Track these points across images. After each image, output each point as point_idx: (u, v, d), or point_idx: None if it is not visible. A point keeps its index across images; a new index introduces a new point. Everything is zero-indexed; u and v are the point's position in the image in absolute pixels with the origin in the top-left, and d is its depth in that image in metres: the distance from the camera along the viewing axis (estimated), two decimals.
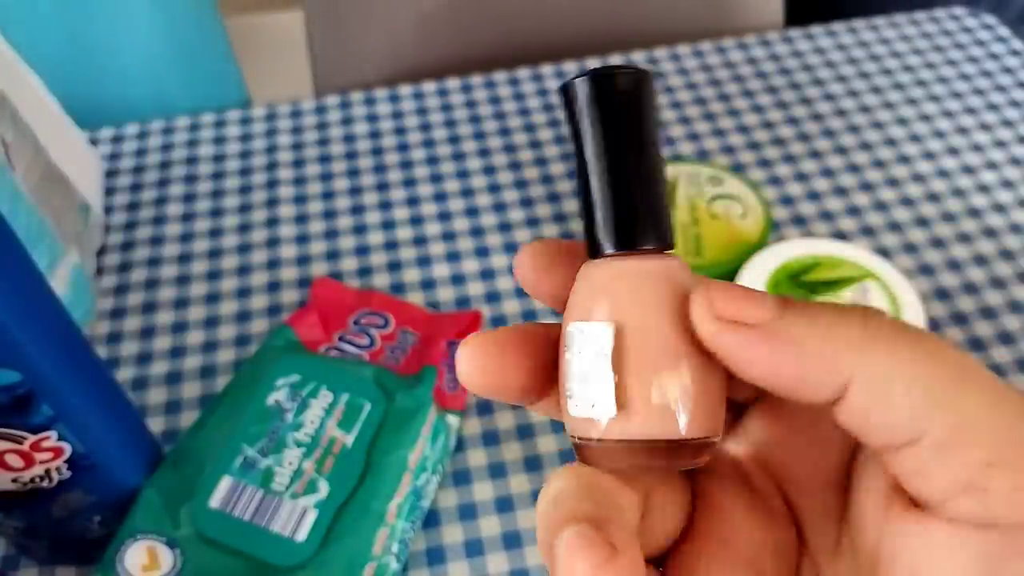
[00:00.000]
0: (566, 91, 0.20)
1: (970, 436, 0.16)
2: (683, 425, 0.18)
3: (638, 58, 0.68)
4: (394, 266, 0.55)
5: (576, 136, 0.20)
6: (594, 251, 0.20)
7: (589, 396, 0.18)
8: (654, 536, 0.19)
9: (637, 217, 0.19)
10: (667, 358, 0.18)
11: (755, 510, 0.20)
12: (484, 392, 0.19)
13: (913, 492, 0.17)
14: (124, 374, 0.50)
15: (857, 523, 0.18)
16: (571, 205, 0.58)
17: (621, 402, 0.18)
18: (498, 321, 0.52)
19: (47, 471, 0.36)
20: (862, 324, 0.17)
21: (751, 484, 0.21)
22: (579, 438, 0.19)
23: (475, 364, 0.19)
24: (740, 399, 0.21)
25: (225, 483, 0.40)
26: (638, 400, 0.18)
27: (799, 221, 0.56)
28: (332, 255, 0.56)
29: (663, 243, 0.19)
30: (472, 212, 0.58)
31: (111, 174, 0.62)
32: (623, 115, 0.19)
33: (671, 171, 0.52)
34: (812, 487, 0.20)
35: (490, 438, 0.47)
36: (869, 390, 0.16)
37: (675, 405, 0.18)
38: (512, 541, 0.43)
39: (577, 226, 0.57)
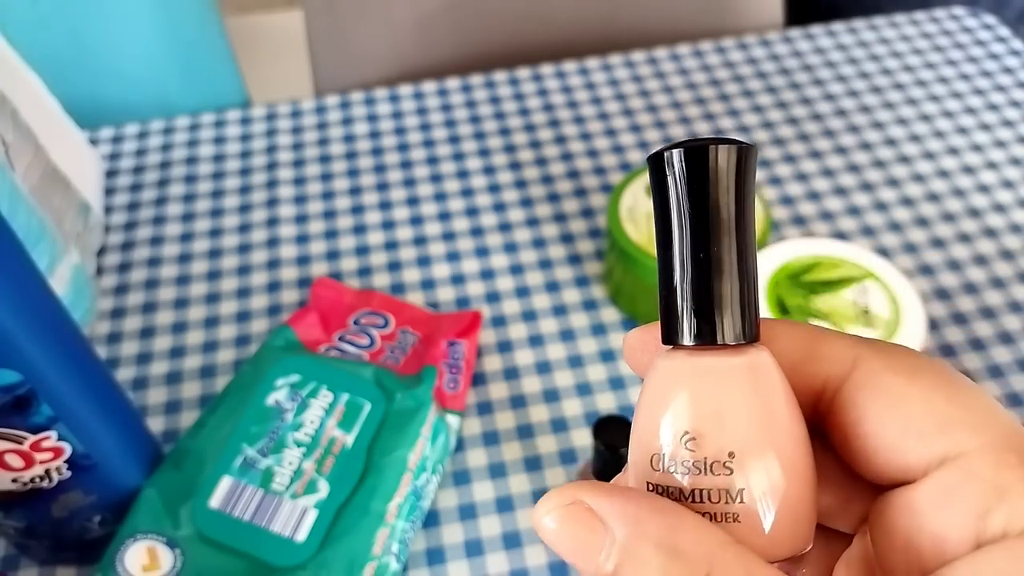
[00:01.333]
0: (656, 160, 0.17)
1: None
2: (768, 546, 0.17)
3: (638, 58, 0.68)
4: (394, 266, 0.55)
5: (663, 212, 0.18)
6: (671, 338, 0.18)
7: None
8: None
9: (718, 308, 0.17)
10: (719, 493, 0.17)
11: None
12: None
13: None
14: (124, 374, 0.50)
15: None
16: (571, 205, 0.58)
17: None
18: (498, 321, 0.52)
19: (47, 471, 0.36)
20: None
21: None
22: None
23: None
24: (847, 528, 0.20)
25: (225, 483, 0.40)
26: (719, 520, 0.17)
27: (799, 221, 0.56)
28: (332, 255, 0.56)
29: (748, 338, 0.18)
30: (472, 212, 0.58)
31: (111, 174, 0.62)
32: (722, 193, 0.17)
33: None
34: None
35: (490, 438, 0.47)
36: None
37: (761, 524, 0.17)
38: (512, 541, 0.43)
39: (577, 227, 0.57)
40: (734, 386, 0.17)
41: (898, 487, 0.18)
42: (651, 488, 0.18)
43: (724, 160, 0.17)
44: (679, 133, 0.62)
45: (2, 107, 0.46)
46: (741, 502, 0.17)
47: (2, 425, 0.33)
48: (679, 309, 0.18)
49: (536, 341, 0.51)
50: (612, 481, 0.19)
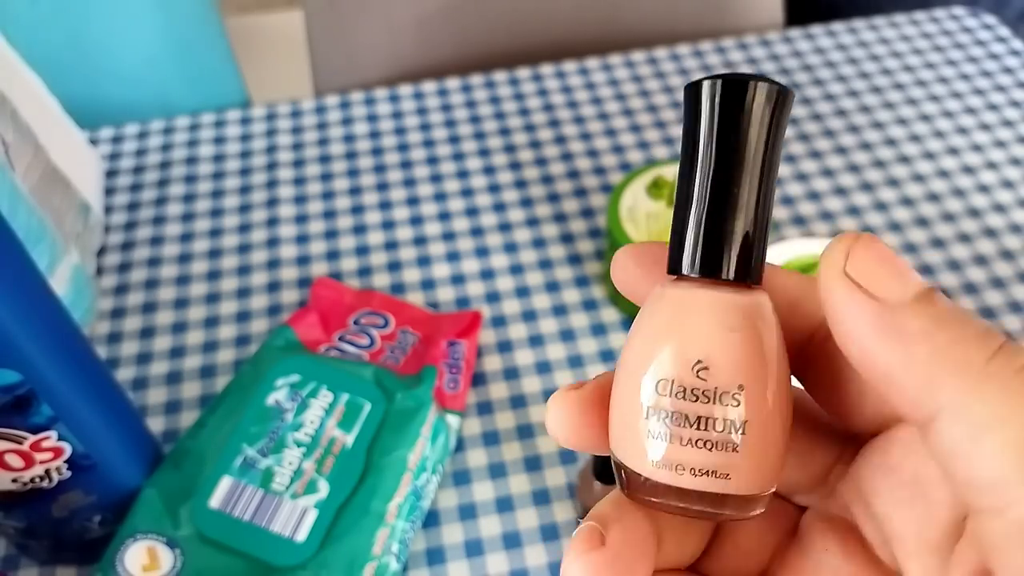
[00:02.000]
0: (694, 89, 0.18)
1: None
2: (731, 485, 0.17)
3: (638, 58, 0.68)
4: (394, 266, 0.55)
5: (692, 143, 0.18)
6: (675, 267, 0.18)
7: (648, 437, 0.18)
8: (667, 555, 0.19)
9: (733, 245, 0.18)
10: (724, 423, 0.17)
11: (856, 558, 0.19)
12: (576, 448, 0.19)
13: (993, 572, 0.15)
14: (124, 374, 0.50)
15: None
16: (571, 205, 0.58)
17: (676, 453, 0.17)
18: (498, 321, 0.52)
19: (47, 471, 0.36)
20: (988, 355, 0.14)
21: (859, 533, 0.19)
22: (627, 467, 0.18)
23: (563, 424, 0.19)
24: (829, 457, 0.20)
25: (225, 483, 0.40)
26: (691, 448, 0.17)
27: (799, 221, 0.56)
28: (332, 255, 0.56)
29: (752, 278, 0.18)
30: (472, 212, 0.58)
31: (111, 174, 0.62)
32: (753, 131, 0.17)
33: (672, 171, 0.52)
34: (917, 548, 0.17)
35: (490, 438, 0.47)
36: (955, 432, 0.14)
37: (725, 468, 0.17)
38: (512, 541, 0.43)
39: (577, 227, 0.57)
40: (747, 322, 0.17)
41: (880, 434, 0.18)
42: (652, 413, 0.18)
43: (762, 97, 0.17)
44: (679, 133, 0.62)
45: (2, 107, 0.46)
46: (743, 434, 0.17)
47: (2, 425, 0.33)
48: (696, 241, 0.18)
49: (536, 341, 0.51)
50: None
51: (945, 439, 0.14)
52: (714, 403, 0.17)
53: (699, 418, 0.17)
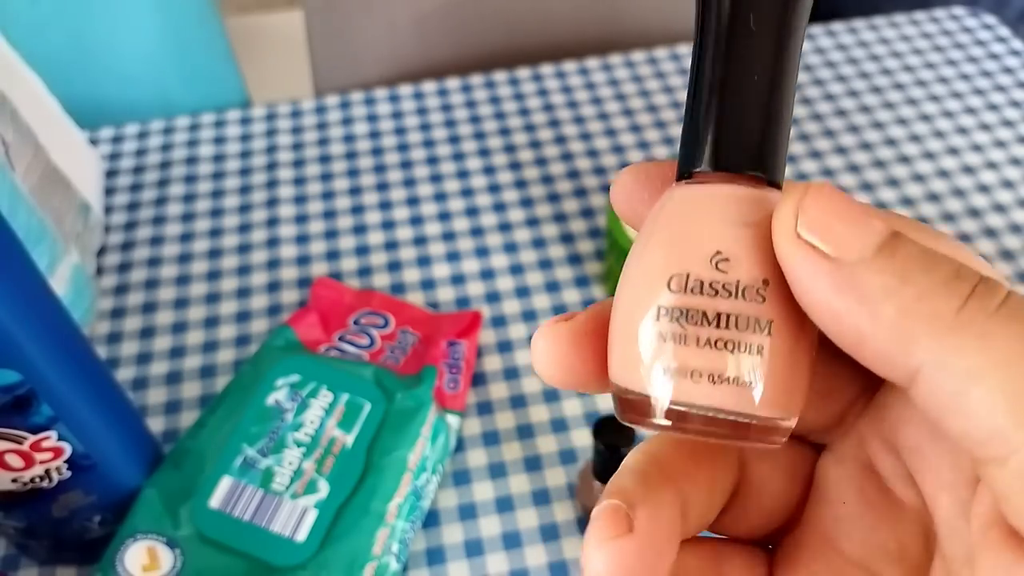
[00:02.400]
0: None
1: None
2: (754, 400, 0.15)
3: (638, 58, 0.68)
4: (394, 266, 0.55)
5: (706, 33, 0.17)
6: (687, 168, 0.17)
7: (659, 342, 0.16)
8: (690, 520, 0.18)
9: (753, 134, 0.16)
10: (746, 320, 0.15)
11: (875, 505, 0.17)
12: (564, 387, 0.17)
13: (1006, 518, 0.14)
14: (124, 374, 0.50)
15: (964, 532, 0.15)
16: (571, 205, 0.58)
17: (692, 357, 0.15)
18: (498, 321, 0.52)
19: (47, 471, 0.36)
20: (959, 304, 0.13)
21: (877, 473, 0.18)
22: (633, 391, 0.16)
23: (551, 359, 0.17)
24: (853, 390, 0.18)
25: (225, 483, 0.40)
26: (710, 350, 0.15)
27: None
28: (332, 255, 0.56)
29: (772, 175, 0.16)
30: (472, 212, 0.58)
31: (111, 174, 0.62)
32: (770, 14, 0.16)
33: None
34: (951, 481, 0.16)
35: (490, 438, 0.47)
36: (939, 389, 0.13)
37: (748, 376, 0.15)
38: (512, 541, 0.43)
39: (577, 227, 0.57)
40: (769, 217, 0.16)
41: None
42: (665, 313, 0.16)
43: None
44: (679, 133, 0.62)
45: (2, 107, 0.46)
46: (768, 335, 0.15)
47: (2, 425, 0.33)
48: (713, 132, 0.16)
49: None
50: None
51: (930, 398, 0.14)
52: (736, 297, 0.15)
53: (719, 315, 0.15)
